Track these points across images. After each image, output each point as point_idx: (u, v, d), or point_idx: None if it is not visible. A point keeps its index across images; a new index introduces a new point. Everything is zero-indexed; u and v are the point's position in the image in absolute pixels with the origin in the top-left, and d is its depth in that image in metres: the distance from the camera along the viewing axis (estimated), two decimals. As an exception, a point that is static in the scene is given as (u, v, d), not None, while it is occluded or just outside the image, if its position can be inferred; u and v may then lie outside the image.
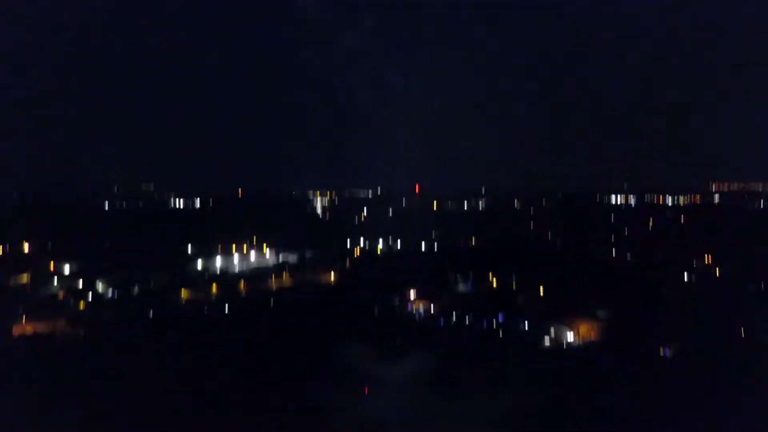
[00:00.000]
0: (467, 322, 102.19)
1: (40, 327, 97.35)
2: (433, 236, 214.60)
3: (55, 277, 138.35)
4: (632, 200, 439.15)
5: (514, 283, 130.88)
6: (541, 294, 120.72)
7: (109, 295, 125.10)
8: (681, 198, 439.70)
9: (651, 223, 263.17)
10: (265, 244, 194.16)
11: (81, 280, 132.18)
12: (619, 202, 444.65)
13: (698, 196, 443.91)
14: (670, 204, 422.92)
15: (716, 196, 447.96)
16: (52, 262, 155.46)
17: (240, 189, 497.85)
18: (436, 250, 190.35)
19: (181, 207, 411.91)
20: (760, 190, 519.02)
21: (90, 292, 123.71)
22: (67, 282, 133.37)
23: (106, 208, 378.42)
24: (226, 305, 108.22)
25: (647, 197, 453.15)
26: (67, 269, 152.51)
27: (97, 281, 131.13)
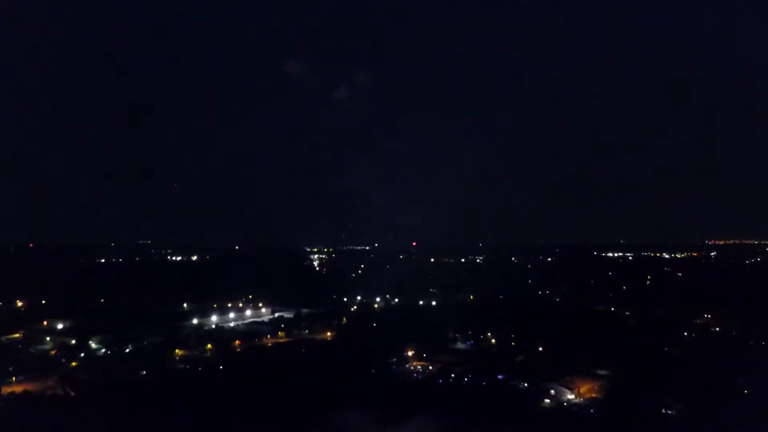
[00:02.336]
0: (466, 382, 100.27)
1: (31, 386, 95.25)
2: (431, 291, 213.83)
3: (48, 336, 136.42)
4: (630, 256, 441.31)
5: (512, 340, 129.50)
6: (541, 351, 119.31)
7: (102, 352, 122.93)
8: (678, 254, 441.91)
9: (649, 279, 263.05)
10: (261, 300, 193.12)
11: (74, 338, 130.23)
12: (616, 256, 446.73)
13: (695, 253, 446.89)
14: (667, 258, 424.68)
15: (712, 253, 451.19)
16: (45, 320, 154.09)
17: (237, 244, 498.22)
18: (434, 305, 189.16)
19: (178, 260, 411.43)
20: (756, 244, 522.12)
21: (83, 350, 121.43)
22: (60, 339, 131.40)
23: (103, 262, 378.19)
24: (220, 365, 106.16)
25: (645, 252, 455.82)
26: (60, 326, 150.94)
27: (91, 338, 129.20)
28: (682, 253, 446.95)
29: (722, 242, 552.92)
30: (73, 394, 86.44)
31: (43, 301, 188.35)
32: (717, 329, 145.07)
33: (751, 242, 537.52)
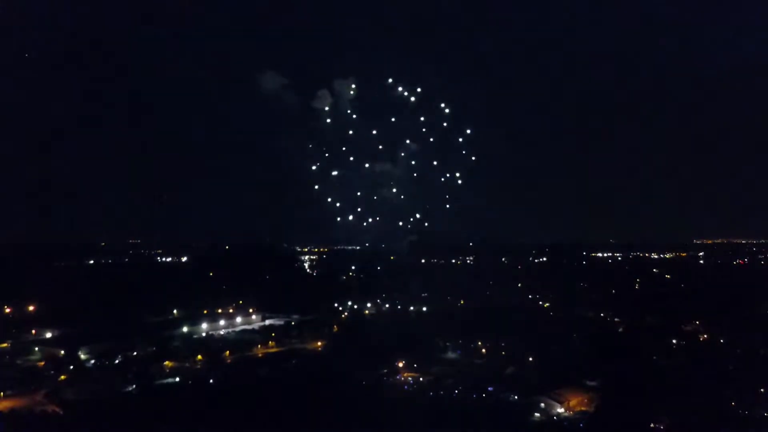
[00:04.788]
0: (457, 394, 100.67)
1: (18, 402, 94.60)
2: (422, 296, 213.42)
3: (36, 347, 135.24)
4: (619, 256, 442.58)
5: (502, 349, 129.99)
6: (531, 362, 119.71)
7: (92, 364, 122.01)
8: (667, 254, 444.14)
9: (638, 282, 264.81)
10: (251, 305, 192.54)
11: (63, 349, 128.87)
12: (605, 256, 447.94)
13: (683, 253, 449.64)
14: (655, 258, 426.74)
15: (701, 253, 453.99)
16: (34, 329, 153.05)
17: (228, 243, 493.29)
18: (424, 311, 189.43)
19: (168, 261, 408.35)
20: (744, 243, 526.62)
21: (72, 362, 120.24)
22: (49, 350, 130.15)
23: (92, 263, 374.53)
24: (211, 378, 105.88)
25: (633, 252, 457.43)
26: (49, 335, 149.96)
27: (80, 349, 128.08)
28: (670, 253, 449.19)
29: (710, 242, 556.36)
30: (61, 412, 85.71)
31: (31, 307, 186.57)
32: (705, 336, 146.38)
33: (739, 242, 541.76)
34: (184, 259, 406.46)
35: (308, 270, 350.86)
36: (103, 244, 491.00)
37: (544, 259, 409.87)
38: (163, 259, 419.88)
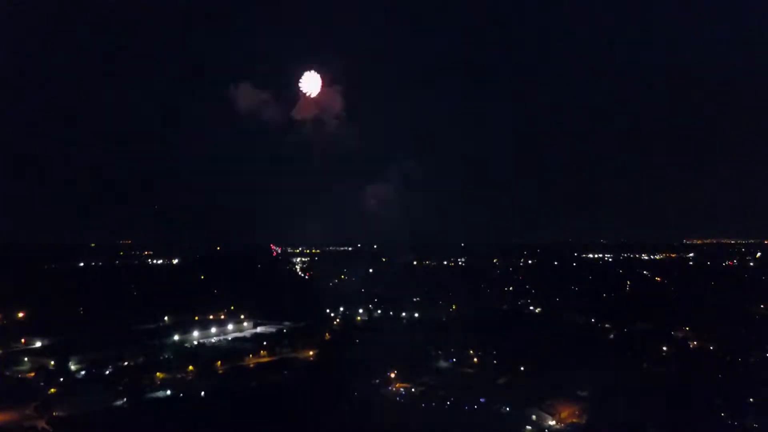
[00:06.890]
0: (449, 405, 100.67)
1: (8, 416, 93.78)
2: (414, 301, 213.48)
3: (26, 357, 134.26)
4: (609, 257, 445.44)
5: (494, 358, 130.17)
6: (522, 371, 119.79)
7: (82, 375, 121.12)
8: (657, 255, 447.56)
9: (628, 285, 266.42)
10: (242, 311, 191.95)
11: (53, 359, 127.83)
12: (596, 257, 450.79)
13: (674, 254, 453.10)
14: (646, 259, 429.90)
15: (691, 254, 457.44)
16: (23, 337, 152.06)
17: (219, 244, 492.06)
18: (416, 317, 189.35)
19: (159, 264, 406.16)
20: (733, 244, 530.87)
21: (62, 373, 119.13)
22: (39, 360, 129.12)
23: (82, 266, 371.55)
24: (202, 390, 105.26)
25: (624, 253, 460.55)
26: (38, 344, 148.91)
27: (70, 359, 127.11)
28: (661, 254, 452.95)
29: (700, 242, 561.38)
30: (51, 430, 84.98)
31: (21, 314, 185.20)
32: (695, 343, 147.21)
33: (728, 242, 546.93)
34: (176, 261, 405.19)
35: (300, 273, 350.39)
36: (93, 245, 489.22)
37: (536, 260, 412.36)
38: (154, 261, 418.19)
